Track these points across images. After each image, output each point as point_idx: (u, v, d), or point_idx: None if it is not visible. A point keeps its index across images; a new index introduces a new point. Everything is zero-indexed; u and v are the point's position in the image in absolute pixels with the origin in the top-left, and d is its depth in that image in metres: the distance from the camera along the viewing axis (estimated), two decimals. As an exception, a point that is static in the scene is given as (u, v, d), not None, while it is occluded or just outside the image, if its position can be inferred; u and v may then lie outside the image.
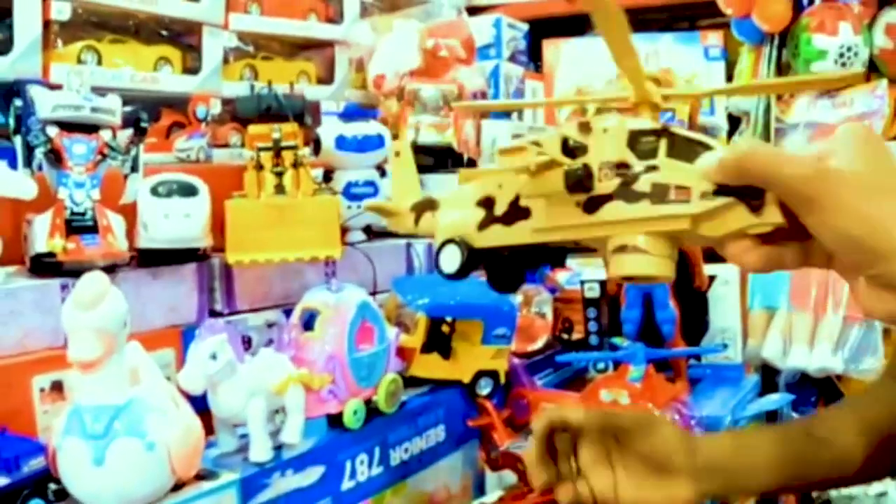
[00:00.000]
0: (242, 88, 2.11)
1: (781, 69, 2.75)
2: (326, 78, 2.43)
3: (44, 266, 1.56)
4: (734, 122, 2.94)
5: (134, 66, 1.99)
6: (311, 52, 2.45)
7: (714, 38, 3.10)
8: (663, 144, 0.91)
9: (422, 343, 1.88)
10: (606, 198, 0.93)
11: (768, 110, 2.71)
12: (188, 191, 1.68)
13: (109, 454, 1.29)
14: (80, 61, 1.90)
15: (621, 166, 0.92)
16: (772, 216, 0.87)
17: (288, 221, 1.77)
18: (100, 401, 1.31)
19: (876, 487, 2.44)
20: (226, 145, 2.12)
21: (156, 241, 1.65)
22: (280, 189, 1.79)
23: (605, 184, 0.92)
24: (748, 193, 0.86)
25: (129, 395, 1.33)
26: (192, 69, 2.12)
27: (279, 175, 1.79)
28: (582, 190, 0.93)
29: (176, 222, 1.64)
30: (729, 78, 2.97)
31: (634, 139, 0.93)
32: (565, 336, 2.38)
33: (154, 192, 1.66)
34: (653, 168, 0.91)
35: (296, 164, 1.81)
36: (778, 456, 1.31)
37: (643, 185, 0.91)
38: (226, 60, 2.18)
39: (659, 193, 0.90)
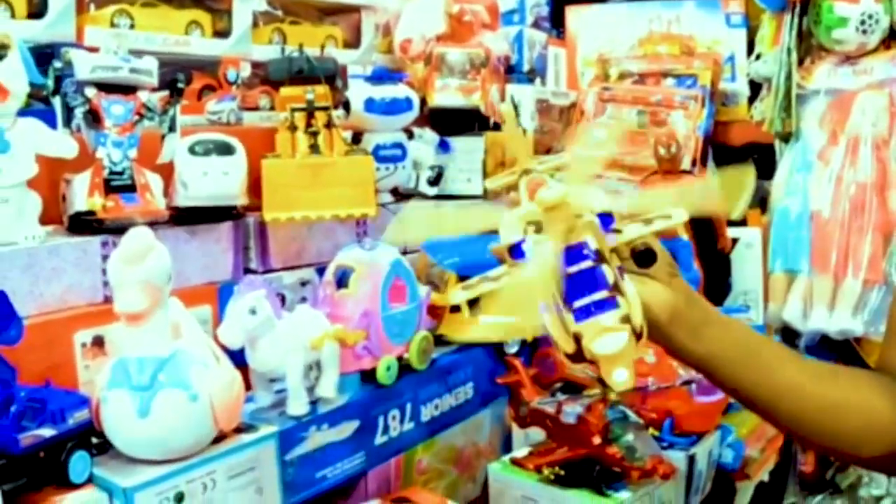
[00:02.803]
0: (272, 52, 2.14)
1: (802, 36, 2.75)
2: (353, 42, 2.44)
3: (83, 224, 1.58)
4: (755, 88, 2.94)
5: (165, 30, 2.01)
6: (337, 16, 2.47)
7: (735, 5, 3.09)
8: None
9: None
10: None
11: (790, 77, 2.70)
12: (225, 149, 1.70)
13: (154, 405, 1.32)
14: (113, 25, 1.92)
15: None
16: None
17: (323, 180, 1.80)
18: (145, 353, 1.35)
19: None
20: (255, 108, 2.13)
21: (195, 199, 1.67)
22: (314, 149, 1.81)
23: None
24: None
25: (173, 348, 1.37)
26: (221, 33, 2.14)
27: (313, 135, 1.81)
28: None
29: (215, 180, 1.67)
30: (750, 44, 2.97)
31: None
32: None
33: (192, 150, 1.68)
34: None
35: (328, 125, 1.83)
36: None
37: None
38: (255, 24, 2.19)
39: None
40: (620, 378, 1.05)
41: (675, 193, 1.15)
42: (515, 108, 2.41)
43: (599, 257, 1.10)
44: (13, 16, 1.77)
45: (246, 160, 1.73)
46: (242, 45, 2.13)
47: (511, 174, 1.25)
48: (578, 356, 1.08)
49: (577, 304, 1.07)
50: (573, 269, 1.09)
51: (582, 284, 1.08)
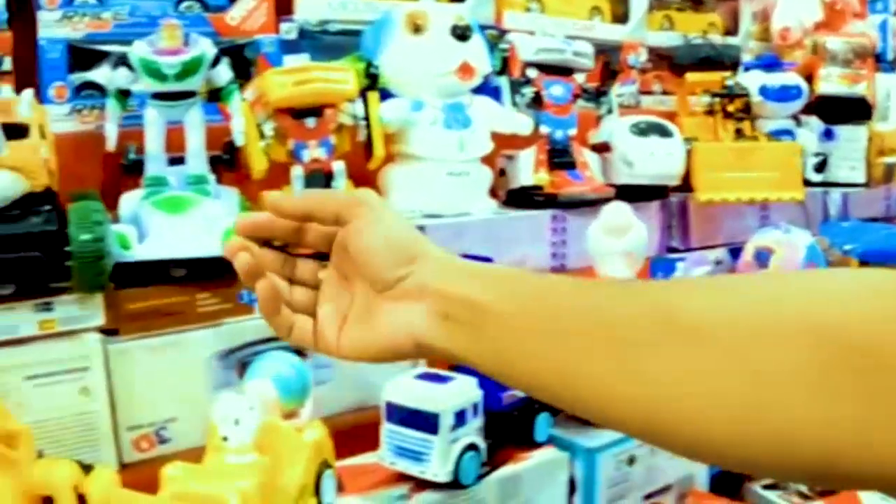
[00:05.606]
0: (663, 38, 2.24)
1: None
2: (731, 29, 2.50)
3: (523, 198, 1.70)
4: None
5: (571, 15, 2.10)
6: (717, 3, 2.53)
7: None
8: None
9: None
10: None
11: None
12: (665, 131, 1.79)
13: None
14: (527, 10, 2.02)
15: None
16: None
17: (749, 164, 1.87)
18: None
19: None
20: (649, 92, 2.22)
21: (640, 178, 1.77)
22: (739, 133, 1.87)
23: None
24: None
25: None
26: (617, 18, 2.22)
27: (740, 120, 1.88)
28: None
29: (660, 160, 1.76)
30: None
31: None
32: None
33: (634, 131, 1.78)
34: None
35: (747, 110, 1.90)
36: None
37: None
38: (648, 10, 2.27)
39: None
40: None
41: None
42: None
43: None
44: (438, -1, 1.89)
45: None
46: (639, 30, 2.21)
47: None
48: None
49: None
50: None
51: None
